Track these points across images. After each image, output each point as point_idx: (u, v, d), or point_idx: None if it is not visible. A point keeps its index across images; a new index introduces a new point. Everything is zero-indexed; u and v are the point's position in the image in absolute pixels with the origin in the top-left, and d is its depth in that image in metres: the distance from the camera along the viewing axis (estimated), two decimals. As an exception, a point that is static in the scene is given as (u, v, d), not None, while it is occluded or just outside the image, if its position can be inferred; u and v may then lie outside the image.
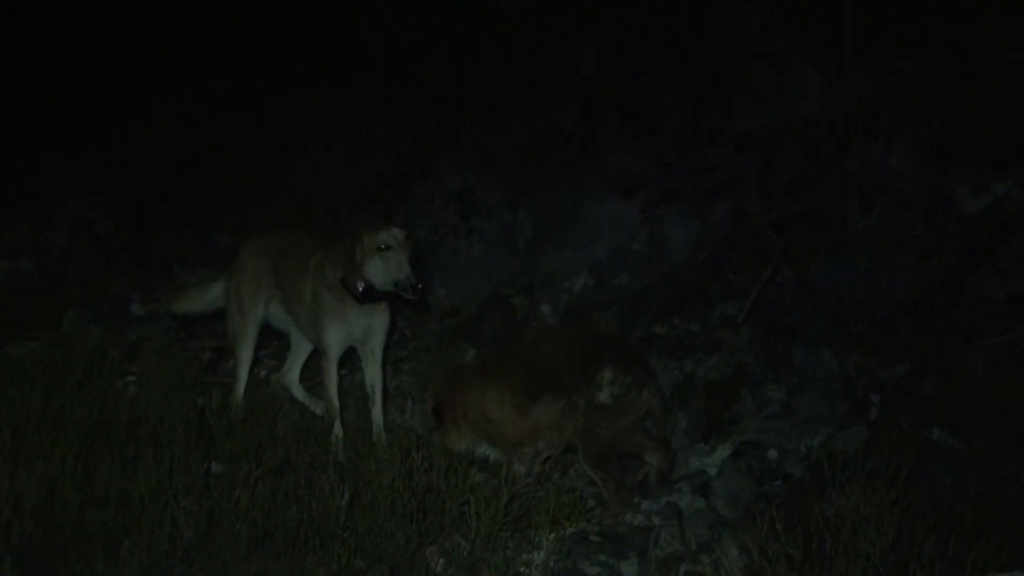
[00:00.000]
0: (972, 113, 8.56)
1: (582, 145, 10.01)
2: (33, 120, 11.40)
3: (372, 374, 6.31)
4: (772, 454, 6.07)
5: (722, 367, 6.91)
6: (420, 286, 5.74)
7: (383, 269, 5.76)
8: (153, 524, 4.96)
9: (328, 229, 7.37)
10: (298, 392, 7.00)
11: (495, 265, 8.76)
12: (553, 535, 5.35)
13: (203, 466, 5.47)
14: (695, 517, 5.57)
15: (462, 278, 8.67)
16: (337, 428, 6.20)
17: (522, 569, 5.18)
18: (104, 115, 11.57)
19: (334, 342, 6.17)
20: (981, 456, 5.66)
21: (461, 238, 8.97)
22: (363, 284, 5.85)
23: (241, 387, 6.68)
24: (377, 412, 6.28)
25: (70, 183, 10.87)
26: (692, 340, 7.39)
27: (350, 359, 6.69)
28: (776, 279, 7.67)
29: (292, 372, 7.04)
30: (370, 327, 6.18)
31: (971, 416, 5.96)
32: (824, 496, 4.88)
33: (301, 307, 6.35)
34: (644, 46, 10.74)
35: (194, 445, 5.71)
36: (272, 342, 8.00)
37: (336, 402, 6.27)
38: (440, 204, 9.30)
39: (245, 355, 6.71)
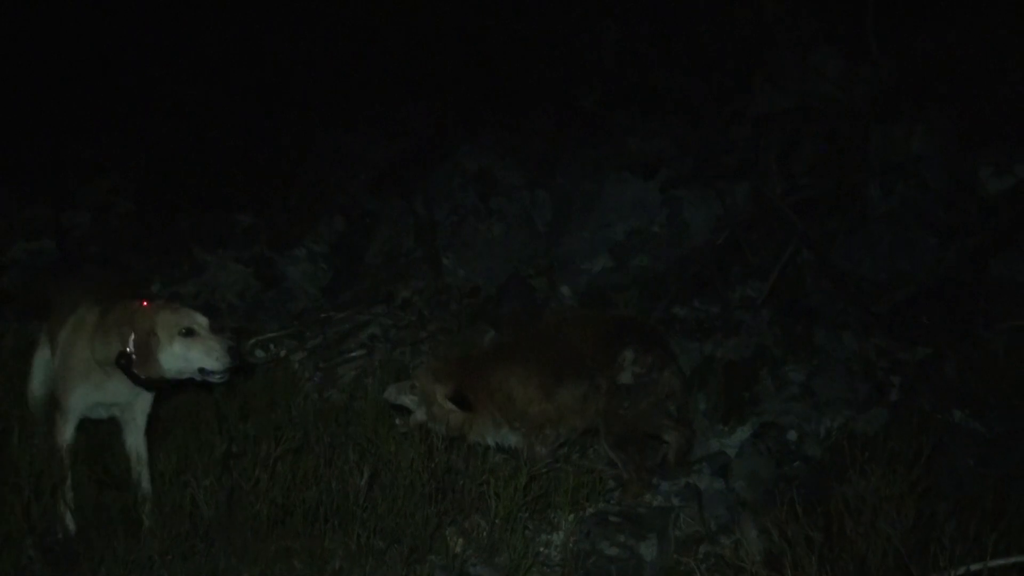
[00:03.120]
0: (994, 93, 8.50)
1: (602, 126, 9.97)
2: (55, 101, 11.43)
3: (134, 442, 5.29)
4: (792, 436, 6.06)
5: (742, 348, 6.90)
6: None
7: (185, 358, 4.84)
8: (173, 504, 4.99)
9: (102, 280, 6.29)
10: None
11: (514, 246, 8.75)
12: (572, 516, 5.37)
13: (223, 446, 5.49)
14: (714, 498, 5.57)
15: (481, 259, 8.66)
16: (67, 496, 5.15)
17: (541, 549, 5.20)
18: (126, 97, 11.58)
19: (77, 405, 5.12)
20: (1003, 438, 5.65)
21: (481, 219, 8.96)
22: (148, 373, 4.89)
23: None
24: (146, 484, 5.25)
25: (91, 164, 10.89)
26: (712, 322, 7.37)
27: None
28: (796, 261, 7.64)
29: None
30: (130, 397, 5.19)
31: (993, 398, 5.94)
32: (844, 478, 4.87)
33: (55, 348, 5.31)
34: (664, 27, 10.70)
35: (214, 425, 5.74)
36: (292, 322, 8.04)
37: (67, 458, 5.16)
38: (460, 185, 9.28)
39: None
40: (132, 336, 4.83)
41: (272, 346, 7.67)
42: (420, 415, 5.75)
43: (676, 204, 8.54)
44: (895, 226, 7.77)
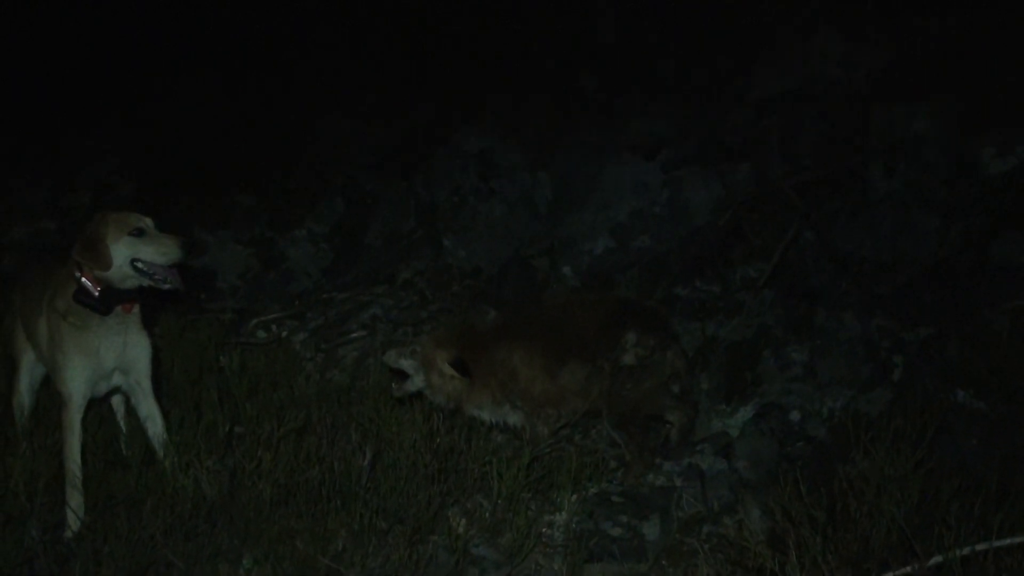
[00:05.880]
0: (997, 74, 8.47)
1: (603, 107, 9.95)
2: (55, 83, 11.40)
3: (147, 409, 5.28)
4: (795, 416, 6.05)
5: (744, 329, 6.90)
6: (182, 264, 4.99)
7: (133, 253, 4.92)
8: (176, 484, 4.99)
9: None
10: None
11: (516, 227, 8.73)
12: (575, 496, 5.37)
13: (226, 427, 5.49)
14: (717, 478, 5.57)
15: (483, 240, 8.65)
16: (76, 500, 5.06)
17: (544, 530, 5.19)
18: (126, 78, 11.56)
19: (78, 384, 5.03)
20: (1006, 418, 5.63)
21: (482, 200, 8.94)
22: (101, 286, 4.93)
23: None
24: (159, 445, 5.26)
25: (92, 145, 10.89)
26: (714, 302, 7.36)
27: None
28: (798, 241, 7.62)
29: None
30: (125, 355, 5.13)
31: (996, 378, 5.92)
32: (848, 458, 4.86)
33: (40, 350, 5.31)
34: (665, 6, 10.66)
35: (217, 406, 5.74)
36: (293, 303, 8.03)
37: (78, 464, 5.07)
38: (461, 166, 9.26)
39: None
40: (81, 267, 4.94)
41: (274, 327, 7.68)
42: (418, 381, 5.73)
43: (677, 185, 8.51)
44: (897, 207, 7.75)
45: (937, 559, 3.96)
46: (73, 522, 4.97)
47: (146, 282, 4.98)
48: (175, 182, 10.04)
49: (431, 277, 8.24)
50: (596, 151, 9.04)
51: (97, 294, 4.93)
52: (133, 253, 4.92)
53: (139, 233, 4.93)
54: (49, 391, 5.67)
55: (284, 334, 7.48)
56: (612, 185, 8.65)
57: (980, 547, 3.92)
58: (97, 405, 5.45)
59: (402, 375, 5.81)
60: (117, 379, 5.20)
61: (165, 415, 5.34)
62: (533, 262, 8.28)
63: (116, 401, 5.66)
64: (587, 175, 8.86)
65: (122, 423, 5.66)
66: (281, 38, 11.91)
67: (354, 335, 7.48)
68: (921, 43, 9.13)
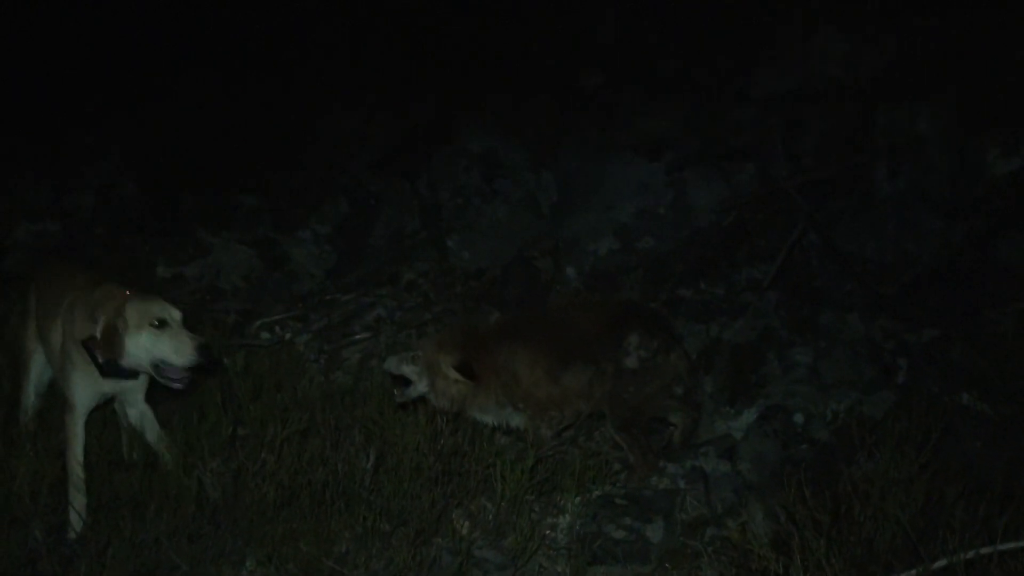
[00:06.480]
0: (1001, 74, 8.46)
1: (606, 107, 9.93)
2: (57, 83, 11.40)
3: (138, 410, 5.33)
4: (798, 418, 6.04)
5: (748, 331, 6.89)
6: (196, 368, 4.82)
7: (149, 348, 4.78)
8: (180, 486, 4.99)
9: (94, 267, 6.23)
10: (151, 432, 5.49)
11: (519, 228, 8.73)
12: (578, 498, 5.38)
13: (229, 428, 5.49)
14: (721, 481, 5.57)
15: (486, 241, 8.65)
16: (79, 501, 5.07)
17: (548, 532, 5.20)
18: (128, 78, 11.55)
19: (83, 396, 5.07)
20: (1011, 421, 5.63)
21: (485, 201, 8.94)
22: (108, 355, 4.83)
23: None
24: (166, 457, 5.29)
25: (95, 145, 10.88)
26: (718, 304, 7.35)
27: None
28: (802, 242, 7.61)
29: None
30: (125, 385, 5.18)
31: (1001, 380, 5.92)
32: (852, 460, 4.86)
33: (52, 349, 5.31)
34: (666, 5, 10.64)
35: (220, 407, 5.74)
36: (297, 304, 8.03)
37: (80, 466, 5.09)
38: (464, 167, 9.25)
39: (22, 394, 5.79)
40: (103, 319, 4.78)
41: (277, 328, 7.67)
42: (421, 387, 5.68)
43: (681, 186, 8.51)
44: (901, 208, 7.75)
45: (942, 562, 3.95)
46: (76, 523, 4.98)
47: (154, 375, 4.86)
48: (178, 182, 10.04)
49: (435, 278, 8.24)
50: (599, 151, 9.03)
51: (102, 361, 4.85)
52: (151, 348, 4.76)
53: (161, 325, 4.75)
54: (54, 392, 5.68)
55: (288, 336, 7.47)
56: (615, 186, 8.65)
57: (985, 550, 3.91)
58: (100, 407, 5.45)
59: (404, 381, 5.76)
60: (118, 388, 5.20)
61: (161, 419, 5.35)
62: (536, 263, 8.26)
63: (119, 403, 5.66)
64: (590, 175, 8.86)
65: (124, 424, 5.66)
66: (284, 38, 11.90)
67: (358, 336, 7.48)
68: (924, 42, 9.11)
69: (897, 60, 9.05)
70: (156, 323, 4.75)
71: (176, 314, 4.82)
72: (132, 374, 5.01)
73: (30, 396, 5.70)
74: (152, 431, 5.31)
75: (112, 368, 4.88)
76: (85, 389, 5.04)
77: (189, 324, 4.91)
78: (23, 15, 11.91)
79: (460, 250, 8.61)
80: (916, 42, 9.13)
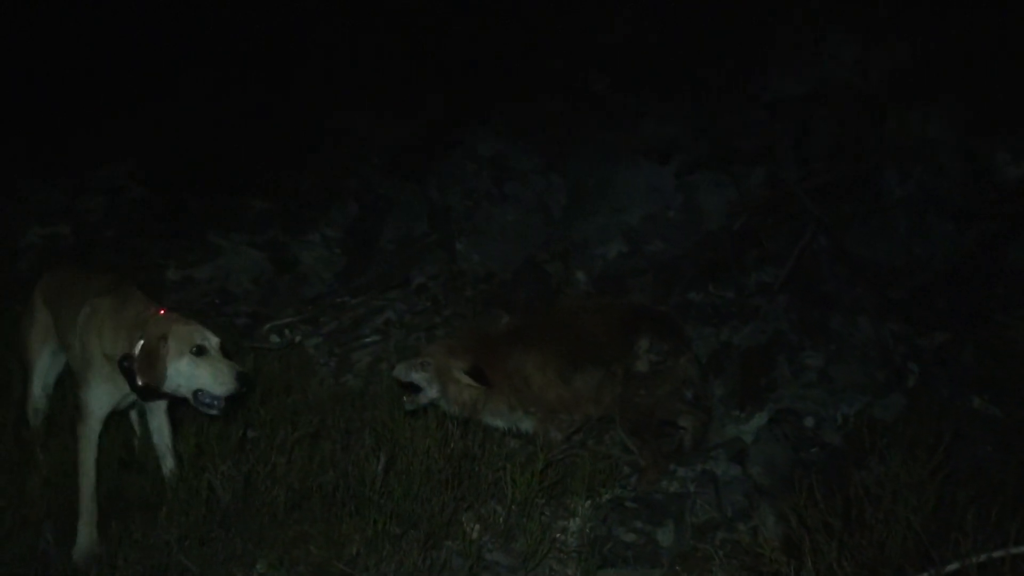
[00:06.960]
0: (1011, 78, 8.44)
1: (616, 111, 9.93)
2: (68, 86, 11.43)
3: (158, 421, 5.26)
4: (809, 422, 6.03)
5: (758, 334, 6.88)
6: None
7: (189, 376, 4.68)
8: (191, 489, 4.99)
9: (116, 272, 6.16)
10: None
11: (529, 231, 8.73)
12: (589, 502, 5.37)
13: (240, 431, 5.49)
14: (731, 484, 5.56)
15: (496, 244, 8.64)
16: (88, 510, 4.97)
17: (558, 535, 5.19)
18: (138, 81, 11.58)
19: (101, 405, 4.98)
20: (1022, 424, 5.62)
21: (495, 204, 8.94)
22: (148, 381, 4.68)
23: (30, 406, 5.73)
24: (171, 461, 5.22)
25: (105, 149, 10.91)
26: (728, 307, 7.34)
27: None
28: (812, 246, 7.60)
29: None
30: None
31: (1011, 384, 5.91)
32: (863, 464, 4.85)
33: (73, 351, 5.15)
34: (677, 9, 10.64)
35: (230, 411, 5.74)
36: (307, 307, 8.04)
37: (92, 476, 4.97)
38: (474, 170, 9.26)
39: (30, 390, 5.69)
40: (141, 342, 4.69)
41: (287, 331, 7.67)
42: (432, 393, 5.62)
43: (691, 189, 8.51)
44: (911, 211, 7.73)
45: (954, 566, 3.94)
46: (85, 535, 4.92)
47: (191, 401, 4.74)
48: (188, 186, 10.07)
49: (444, 281, 8.23)
50: (608, 155, 9.04)
51: (140, 384, 4.71)
52: (191, 375, 4.65)
53: (200, 352, 4.65)
54: (63, 393, 5.68)
55: (297, 339, 7.48)
56: (625, 189, 8.65)
57: (997, 554, 3.89)
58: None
59: (413, 388, 5.69)
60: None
61: (175, 425, 5.30)
62: (546, 266, 8.26)
63: (136, 411, 5.64)
64: (600, 179, 8.86)
65: (136, 428, 5.66)
66: (295, 41, 11.93)
67: (368, 340, 7.49)
68: (935, 46, 9.10)
69: (907, 64, 9.04)
70: (195, 350, 4.66)
71: (215, 340, 4.75)
72: (169, 397, 4.91)
73: (39, 398, 5.66)
74: (161, 441, 5.24)
75: (150, 393, 4.79)
76: (104, 398, 4.95)
77: (225, 350, 4.85)
78: (33, 20, 11.95)
79: (470, 253, 8.60)
80: (927, 46, 9.12)
